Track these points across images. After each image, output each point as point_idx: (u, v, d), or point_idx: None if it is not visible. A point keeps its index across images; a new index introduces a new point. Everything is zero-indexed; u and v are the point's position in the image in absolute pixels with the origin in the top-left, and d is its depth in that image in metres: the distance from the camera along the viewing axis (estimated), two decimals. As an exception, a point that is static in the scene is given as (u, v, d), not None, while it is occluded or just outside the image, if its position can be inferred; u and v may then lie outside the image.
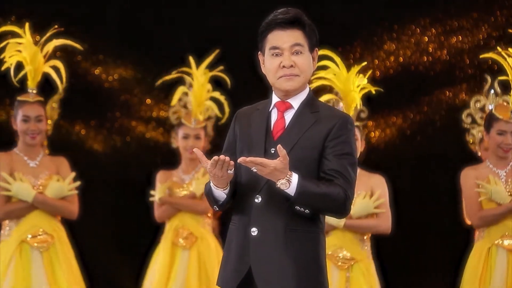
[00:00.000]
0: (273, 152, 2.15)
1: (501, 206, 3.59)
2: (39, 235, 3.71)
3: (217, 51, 4.31)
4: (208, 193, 2.23)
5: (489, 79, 4.03)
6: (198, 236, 4.14)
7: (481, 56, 4.01)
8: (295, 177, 2.07)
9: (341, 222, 3.47)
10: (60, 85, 3.86)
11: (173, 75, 4.28)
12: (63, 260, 3.72)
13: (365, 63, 3.98)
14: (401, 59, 4.50)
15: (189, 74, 4.25)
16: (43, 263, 3.68)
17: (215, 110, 4.33)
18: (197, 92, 4.23)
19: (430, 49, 5.34)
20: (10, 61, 3.76)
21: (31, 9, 5.08)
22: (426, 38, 5.35)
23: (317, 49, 2.29)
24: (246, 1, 5.39)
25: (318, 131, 2.18)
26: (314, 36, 2.27)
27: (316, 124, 2.19)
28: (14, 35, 3.85)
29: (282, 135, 2.19)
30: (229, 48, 4.88)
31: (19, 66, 3.80)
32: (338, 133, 2.17)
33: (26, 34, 3.81)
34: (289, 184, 2.07)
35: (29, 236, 3.69)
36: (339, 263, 3.60)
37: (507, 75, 3.71)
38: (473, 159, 4.14)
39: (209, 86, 4.30)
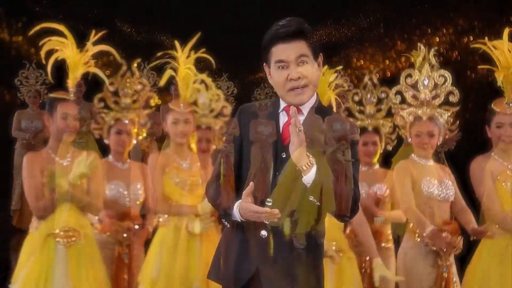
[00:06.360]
0: (284, 156, 2.22)
1: None
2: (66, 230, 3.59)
3: (199, 34, 3.99)
4: (223, 206, 2.26)
5: (422, 47, 3.83)
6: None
7: (471, 46, 3.86)
8: None
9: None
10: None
11: (159, 57, 3.95)
12: (88, 258, 3.61)
13: (340, 67, 4.10)
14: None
15: (174, 58, 3.97)
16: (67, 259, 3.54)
17: (202, 91, 4.07)
18: (184, 75, 3.98)
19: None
20: (54, 56, 3.74)
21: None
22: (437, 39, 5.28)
23: (321, 54, 2.31)
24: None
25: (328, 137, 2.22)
26: (317, 42, 2.29)
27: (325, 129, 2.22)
28: (56, 33, 3.78)
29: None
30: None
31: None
32: (349, 137, 2.24)
33: (68, 34, 3.77)
34: None
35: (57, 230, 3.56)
36: None
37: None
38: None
39: (194, 70, 4.02)
